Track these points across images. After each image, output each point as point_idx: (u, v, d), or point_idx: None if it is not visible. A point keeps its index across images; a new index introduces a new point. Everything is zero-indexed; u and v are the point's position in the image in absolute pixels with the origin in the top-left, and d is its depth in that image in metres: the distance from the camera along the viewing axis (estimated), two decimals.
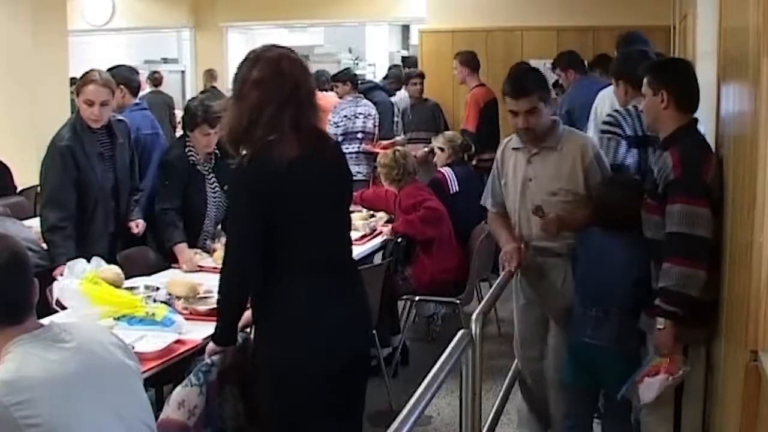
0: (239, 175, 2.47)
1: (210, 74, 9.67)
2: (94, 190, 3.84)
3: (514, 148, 3.41)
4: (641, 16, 7.27)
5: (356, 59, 11.61)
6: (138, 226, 4.10)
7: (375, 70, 11.94)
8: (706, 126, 4.16)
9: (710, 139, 3.52)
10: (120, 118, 4.14)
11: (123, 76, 4.59)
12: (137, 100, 4.82)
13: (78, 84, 3.85)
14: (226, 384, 2.51)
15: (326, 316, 2.44)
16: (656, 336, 2.78)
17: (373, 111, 6.86)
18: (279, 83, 2.39)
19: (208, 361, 2.46)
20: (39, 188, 4.01)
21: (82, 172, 3.78)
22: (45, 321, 1.97)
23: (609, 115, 3.62)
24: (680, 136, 2.82)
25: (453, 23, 8.03)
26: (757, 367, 2.12)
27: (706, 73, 4.72)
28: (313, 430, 2.49)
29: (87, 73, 3.87)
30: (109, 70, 4.48)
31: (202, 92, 9.71)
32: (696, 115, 2.89)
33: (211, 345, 2.58)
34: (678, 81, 2.88)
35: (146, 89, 8.50)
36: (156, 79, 9.50)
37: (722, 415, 2.70)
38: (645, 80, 2.93)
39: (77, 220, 3.79)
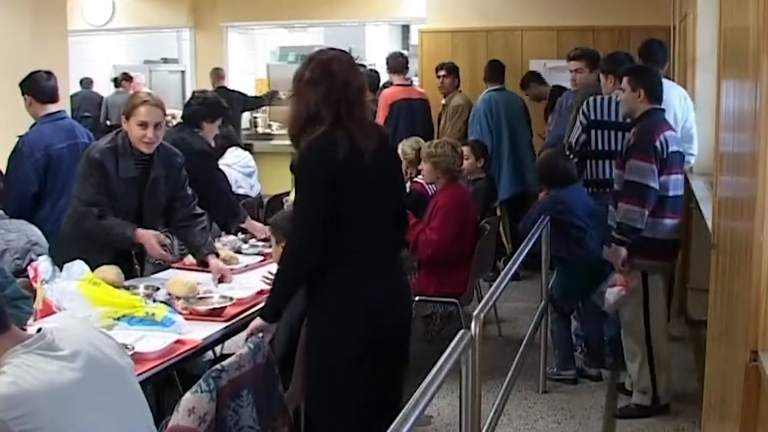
0: (303, 158, 2.62)
1: (217, 73, 9.17)
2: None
3: None
4: (641, 16, 7.27)
5: (356, 59, 11.59)
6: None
7: None
8: (706, 125, 4.22)
9: (710, 138, 3.52)
10: (175, 150, 3.86)
11: (30, 86, 4.43)
12: (54, 110, 4.46)
13: (126, 107, 3.63)
14: (242, 390, 2.48)
15: (374, 297, 2.63)
16: (607, 254, 3.93)
17: None
18: (329, 82, 2.62)
19: (218, 366, 2.43)
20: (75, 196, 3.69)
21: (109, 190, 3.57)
22: (35, 327, 1.95)
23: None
24: (643, 118, 3.90)
25: (453, 23, 8.02)
26: (757, 367, 2.12)
27: (706, 73, 4.72)
28: (357, 412, 2.64)
29: (133, 95, 3.82)
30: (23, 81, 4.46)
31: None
32: (695, 115, 3.01)
33: (257, 321, 2.68)
34: (651, 81, 3.90)
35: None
36: (117, 81, 10.04)
37: (722, 415, 2.70)
38: (625, 80, 3.92)
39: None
